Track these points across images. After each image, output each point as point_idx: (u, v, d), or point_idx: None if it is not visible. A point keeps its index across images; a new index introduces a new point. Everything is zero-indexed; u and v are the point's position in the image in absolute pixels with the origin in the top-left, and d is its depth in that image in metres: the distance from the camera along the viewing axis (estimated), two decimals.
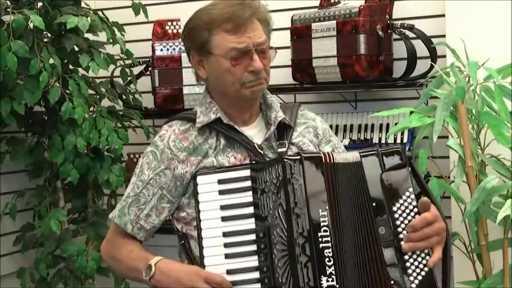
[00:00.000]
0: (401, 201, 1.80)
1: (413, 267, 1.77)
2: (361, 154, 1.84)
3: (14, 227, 3.27)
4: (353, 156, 1.84)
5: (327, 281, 1.74)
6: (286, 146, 1.97)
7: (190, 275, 1.80)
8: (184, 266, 1.89)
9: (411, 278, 1.76)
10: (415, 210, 1.79)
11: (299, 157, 1.81)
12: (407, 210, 1.80)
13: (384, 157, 1.82)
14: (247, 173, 1.84)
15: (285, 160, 1.81)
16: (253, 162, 1.90)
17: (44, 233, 3.06)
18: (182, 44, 3.08)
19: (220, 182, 1.84)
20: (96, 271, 3.09)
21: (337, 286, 1.74)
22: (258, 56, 1.91)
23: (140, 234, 1.97)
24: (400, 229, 1.78)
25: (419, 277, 1.77)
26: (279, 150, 1.95)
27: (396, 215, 1.79)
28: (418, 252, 1.78)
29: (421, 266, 1.78)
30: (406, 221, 1.79)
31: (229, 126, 1.96)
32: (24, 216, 3.27)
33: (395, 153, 1.83)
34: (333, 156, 1.83)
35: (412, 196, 1.80)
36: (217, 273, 1.78)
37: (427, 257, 1.78)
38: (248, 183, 1.83)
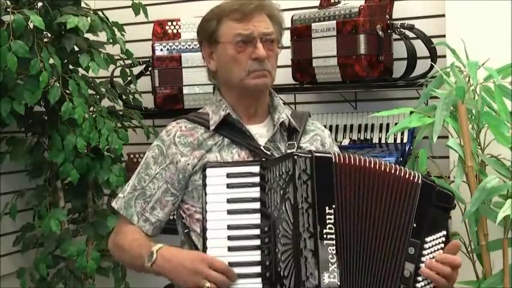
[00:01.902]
0: (434, 237, 1.85)
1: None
2: (423, 179, 1.88)
3: (14, 227, 3.27)
4: (416, 175, 1.87)
5: (329, 277, 1.75)
6: (296, 147, 2.00)
7: (194, 260, 1.80)
8: (187, 252, 1.90)
9: None
10: (441, 251, 1.85)
11: (310, 155, 1.83)
12: (435, 248, 1.85)
13: (439, 193, 1.88)
14: (256, 169, 1.85)
15: (296, 156, 1.82)
16: (263, 159, 1.91)
17: (44, 233, 3.06)
18: (183, 44, 3.16)
19: (228, 175, 1.86)
20: (96, 271, 3.09)
21: (339, 283, 1.75)
22: (264, 46, 1.97)
23: (146, 227, 2.00)
24: (423, 259, 1.83)
25: None
26: (289, 151, 1.97)
27: (426, 246, 1.84)
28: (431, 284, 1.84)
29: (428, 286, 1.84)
30: (430, 256, 1.84)
31: (237, 127, 1.99)
32: (24, 216, 3.26)
33: (449, 196, 1.90)
34: (353, 158, 1.84)
35: (443, 239, 1.86)
36: (221, 261, 1.78)
37: None
38: (256, 179, 1.85)
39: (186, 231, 1.99)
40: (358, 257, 1.80)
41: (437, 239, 1.85)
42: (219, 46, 2.00)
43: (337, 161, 1.83)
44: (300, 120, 2.08)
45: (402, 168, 1.88)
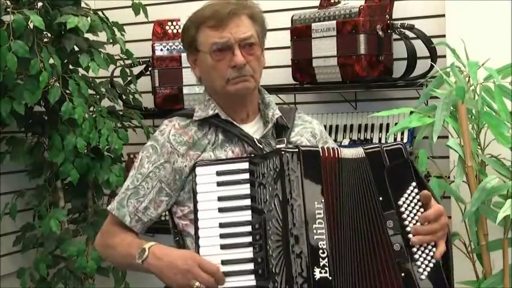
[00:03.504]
0: (406, 195, 1.83)
1: (421, 259, 1.80)
2: (365, 150, 1.86)
3: (14, 227, 3.27)
4: (357, 152, 1.86)
5: (320, 272, 1.74)
6: (285, 143, 1.99)
7: (186, 259, 1.80)
8: (178, 251, 1.89)
9: (420, 270, 1.79)
10: (419, 204, 1.83)
11: (297, 150, 1.82)
12: (412, 204, 1.82)
13: (387, 153, 1.85)
14: (245, 165, 1.85)
15: (283, 152, 1.82)
16: (252, 155, 1.91)
17: (44, 233, 3.06)
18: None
19: (218, 173, 1.85)
20: (96, 271, 3.09)
21: (330, 278, 1.74)
22: (242, 51, 1.94)
23: (138, 227, 1.99)
24: (406, 222, 1.81)
25: (428, 269, 1.80)
26: (278, 146, 1.96)
27: (402, 209, 1.82)
28: (425, 245, 1.81)
29: (428, 258, 1.81)
30: (411, 215, 1.82)
31: (228, 121, 1.98)
32: (24, 216, 3.27)
33: (398, 149, 1.86)
34: (336, 151, 1.85)
35: (416, 190, 1.83)
36: (212, 263, 1.78)
37: (434, 249, 1.81)
38: (246, 176, 1.84)
39: (176, 239, 1.99)
40: (350, 249, 1.79)
41: (410, 194, 1.82)
42: (200, 54, 1.99)
43: (325, 154, 1.83)
44: (288, 116, 2.07)
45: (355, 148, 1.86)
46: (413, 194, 1.83)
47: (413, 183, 1.83)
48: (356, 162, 1.84)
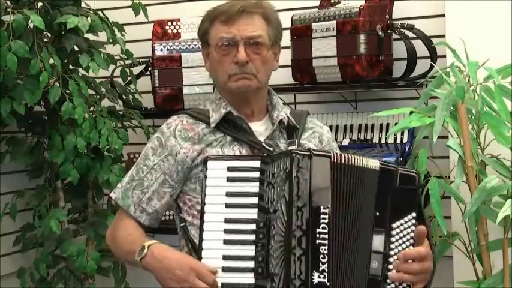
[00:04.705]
0: (402, 221, 1.84)
1: (393, 285, 1.81)
2: (381, 165, 1.86)
3: (14, 227, 3.27)
4: (373, 163, 1.86)
5: (319, 277, 1.75)
6: (296, 144, 2.01)
7: (184, 267, 1.80)
8: (178, 255, 1.89)
9: None
10: (412, 234, 1.83)
11: (309, 153, 1.83)
12: (405, 232, 1.84)
13: (401, 176, 1.86)
14: (257, 164, 1.86)
15: (294, 154, 1.82)
16: (264, 154, 1.91)
17: (44, 233, 3.06)
18: (183, 44, 3.16)
19: (229, 169, 1.86)
20: (96, 271, 3.09)
21: (328, 284, 1.75)
22: (248, 49, 1.96)
23: (143, 217, 2.01)
24: (393, 246, 1.82)
25: None
26: (289, 148, 1.98)
27: (393, 232, 1.83)
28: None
29: (400, 287, 1.82)
30: (400, 241, 1.83)
31: (237, 124, 1.99)
32: (24, 216, 3.27)
33: (412, 177, 1.87)
34: (346, 157, 1.85)
35: (413, 221, 1.84)
36: (210, 273, 1.78)
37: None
38: (256, 174, 1.85)
39: (182, 224, 2.00)
40: (349, 255, 1.80)
41: (406, 222, 1.83)
42: (210, 48, 2.02)
43: (336, 160, 1.83)
44: (299, 118, 2.09)
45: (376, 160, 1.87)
46: (409, 223, 1.84)
47: (414, 214, 1.84)
48: (365, 172, 1.85)
